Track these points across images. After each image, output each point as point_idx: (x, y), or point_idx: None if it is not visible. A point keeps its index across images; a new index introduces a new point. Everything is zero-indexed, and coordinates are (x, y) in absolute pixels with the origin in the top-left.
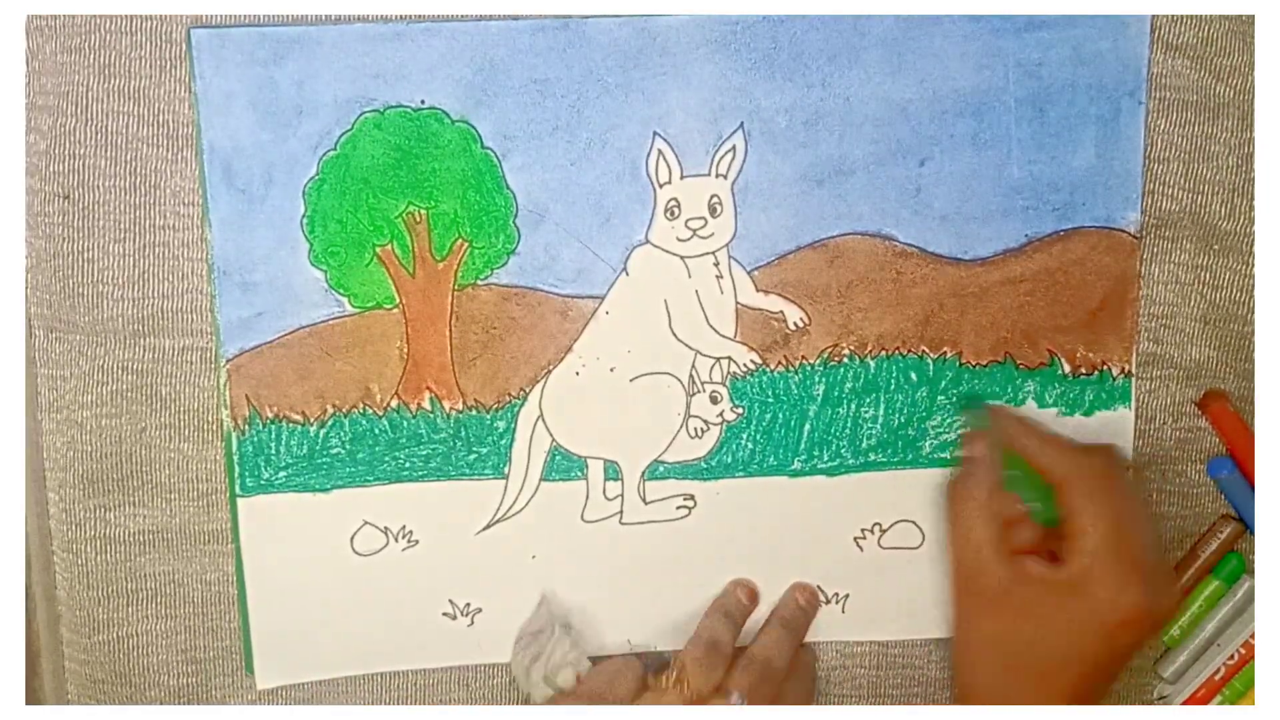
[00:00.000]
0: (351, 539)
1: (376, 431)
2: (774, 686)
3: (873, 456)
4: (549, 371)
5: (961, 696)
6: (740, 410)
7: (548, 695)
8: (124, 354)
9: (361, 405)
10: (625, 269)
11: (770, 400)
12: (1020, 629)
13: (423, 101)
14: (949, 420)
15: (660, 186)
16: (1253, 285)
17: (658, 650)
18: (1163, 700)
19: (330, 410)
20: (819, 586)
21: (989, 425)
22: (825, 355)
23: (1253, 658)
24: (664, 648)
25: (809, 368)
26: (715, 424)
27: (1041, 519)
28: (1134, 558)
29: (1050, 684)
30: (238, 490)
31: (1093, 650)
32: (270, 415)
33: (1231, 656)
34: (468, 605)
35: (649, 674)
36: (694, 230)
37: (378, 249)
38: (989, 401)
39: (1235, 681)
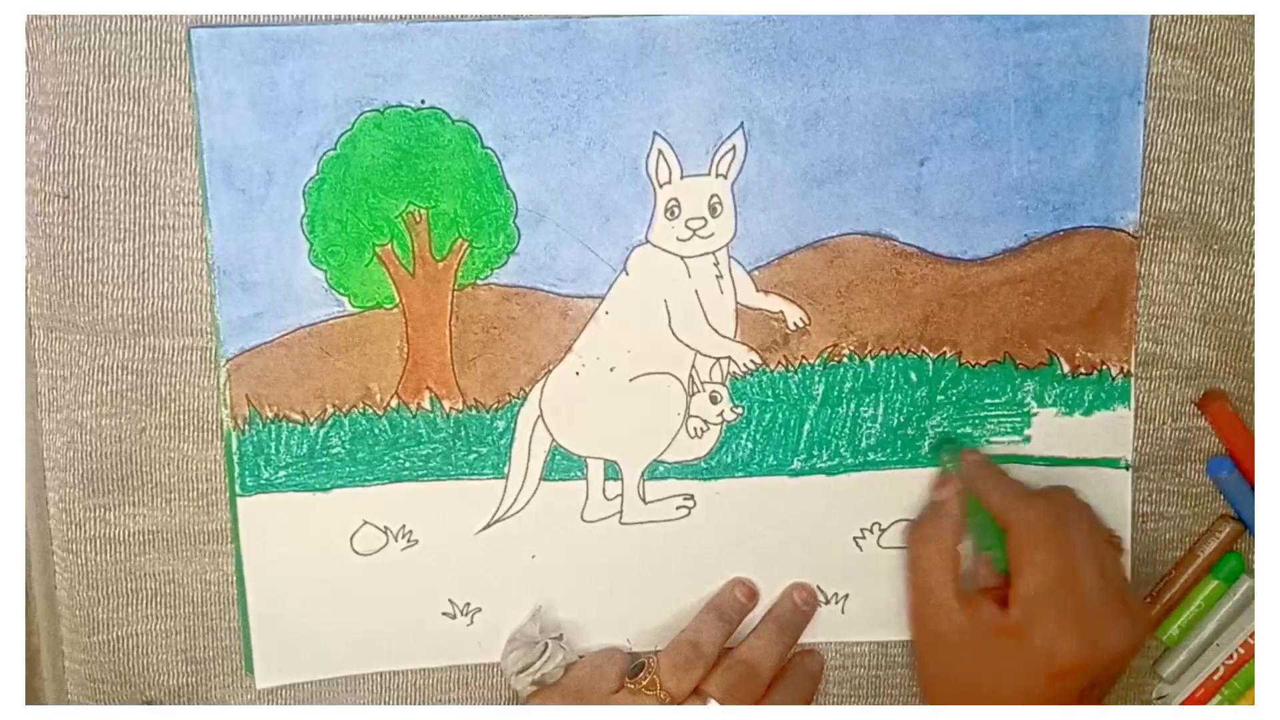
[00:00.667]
0: (351, 539)
1: (376, 431)
2: (758, 689)
3: (872, 456)
4: (549, 371)
5: None
6: (740, 410)
7: (530, 690)
8: (124, 354)
9: (361, 405)
10: (625, 269)
11: (770, 400)
12: (971, 672)
13: (423, 101)
14: (948, 419)
15: (660, 186)
16: (1253, 285)
17: (656, 651)
18: (1162, 700)
19: (330, 410)
20: (819, 586)
21: (960, 469)
22: (825, 355)
23: (1251, 657)
24: (663, 648)
25: (809, 368)
26: (715, 424)
27: (999, 566)
28: (1073, 607)
29: None
30: (238, 490)
31: (1037, 697)
32: (270, 415)
33: (1230, 656)
34: (467, 605)
35: (626, 674)
36: (694, 230)
37: (378, 249)
38: (963, 445)
39: (1234, 681)
